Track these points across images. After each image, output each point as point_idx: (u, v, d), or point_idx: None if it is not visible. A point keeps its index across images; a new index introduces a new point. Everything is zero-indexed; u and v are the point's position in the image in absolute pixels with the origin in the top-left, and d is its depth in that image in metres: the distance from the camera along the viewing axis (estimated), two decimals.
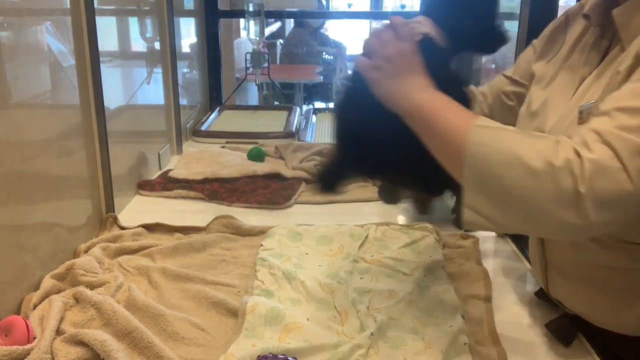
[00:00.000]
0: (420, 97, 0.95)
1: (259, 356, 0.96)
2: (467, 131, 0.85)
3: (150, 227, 1.52)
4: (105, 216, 1.52)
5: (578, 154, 0.77)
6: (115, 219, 1.53)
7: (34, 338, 1.02)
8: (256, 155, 2.09)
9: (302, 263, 1.31)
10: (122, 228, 1.51)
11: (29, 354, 0.98)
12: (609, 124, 0.79)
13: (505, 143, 0.82)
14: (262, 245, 1.40)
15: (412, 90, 0.97)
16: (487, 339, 1.06)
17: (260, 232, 1.49)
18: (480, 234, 1.48)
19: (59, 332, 1.04)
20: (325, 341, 1.01)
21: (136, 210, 1.64)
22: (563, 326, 1.06)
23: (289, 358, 0.95)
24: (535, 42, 1.26)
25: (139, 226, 1.50)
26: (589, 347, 1.04)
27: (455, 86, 1.01)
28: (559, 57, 1.13)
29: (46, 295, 1.15)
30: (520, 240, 1.46)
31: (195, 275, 1.27)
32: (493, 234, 1.52)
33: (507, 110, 1.29)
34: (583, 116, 0.92)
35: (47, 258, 1.22)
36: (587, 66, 1.03)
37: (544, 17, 1.36)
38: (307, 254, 1.37)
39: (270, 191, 1.79)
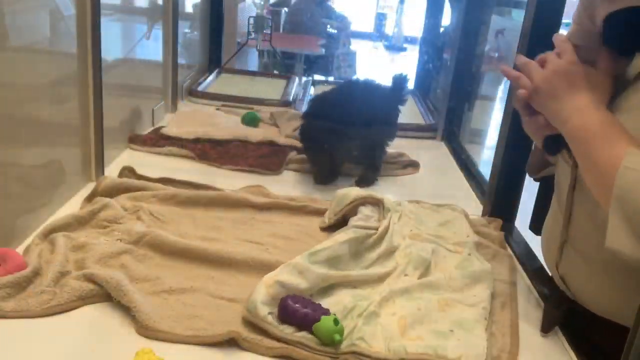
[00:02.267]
0: (576, 122, 0.93)
1: (287, 296, 1.01)
2: (616, 170, 0.84)
3: (166, 182, 1.54)
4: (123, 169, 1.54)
5: None
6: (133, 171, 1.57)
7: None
8: (250, 120, 2.10)
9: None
10: (140, 177, 1.55)
11: (32, 281, 1.02)
12: None
13: None
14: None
15: (569, 112, 0.94)
16: (505, 324, 1.08)
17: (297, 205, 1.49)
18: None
19: (65, 273, 1.07)
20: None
21: (125, 163, 1.64)
22: (551, 312, 1.08)
23: (318, 305, 1.00)
24: None
25: (158, 179, 1.54)
26: (563, 340, 1.06)
27: None
28: None
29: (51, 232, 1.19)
30: (505, 229, 1.48)
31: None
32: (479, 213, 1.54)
33: None
34: None
35: (31, 202, 1.23)
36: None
37: (551, 6, 1.34)
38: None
39: (261, 155, 1.80)
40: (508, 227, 1.49)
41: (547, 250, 1.14)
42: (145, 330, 0.95)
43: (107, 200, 1.33)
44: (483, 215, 1.55)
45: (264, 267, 1.14)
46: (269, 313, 0.98)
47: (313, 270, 1.09)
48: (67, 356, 0.90)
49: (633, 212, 0.83)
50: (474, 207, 1.61)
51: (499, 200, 1.52)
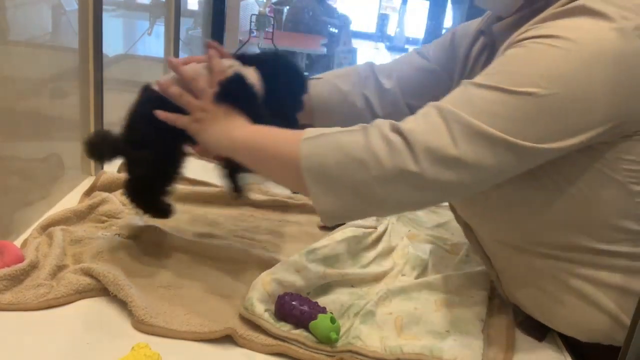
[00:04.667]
0: (242, 133, 1.01)
1: (284, 293, 1.01)
2: (297, 148, 0.91)
3: None
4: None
5: (395, 132, 0.87)
6: None
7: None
8: None
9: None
10: None
11: (29, 274, 1.02)
12: (447, 102, 0.89)
13: (331, 146, 0.90)
14: None
15: (233, 129, 1.01)
16: (502, 326, 1.08)
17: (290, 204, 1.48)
18: None
19: (62, 267, 1.07)
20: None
21: None
22: (534, 323, 1.08)
23: (315, 303, 1.00)
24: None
25: None
26: (559, 342, 1.06)
27: (279, 118, 1.05)
28: (460, 74, 1.17)
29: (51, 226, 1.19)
30: None
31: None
32: None
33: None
34: None
35: (31, 194, 1.23)
36: None
37: None
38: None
39: None
40: None
41: (496, 284, 1.14)
42: (142, 325, 0.95)
43: (105, 194, 1.33)
44: None
45: (261, 265, 1.15)
46: (266, 310, 0.99)
47: (310, 268, 1.09)
48: (64, 350, 0.90)
49: (321, 173, 0.90)
50: None
51: None
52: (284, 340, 0.96)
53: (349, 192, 0.89)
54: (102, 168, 1.52)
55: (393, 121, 0.89)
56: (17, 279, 1.00)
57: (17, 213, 1.18)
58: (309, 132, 0.93)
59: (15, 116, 1.15)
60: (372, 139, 0.87)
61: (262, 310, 0.98)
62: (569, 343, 1.05)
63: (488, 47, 1.09)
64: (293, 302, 0.99)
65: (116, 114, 1.68)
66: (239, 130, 1.01)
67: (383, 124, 0.89)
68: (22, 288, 1.00)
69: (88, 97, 1.45)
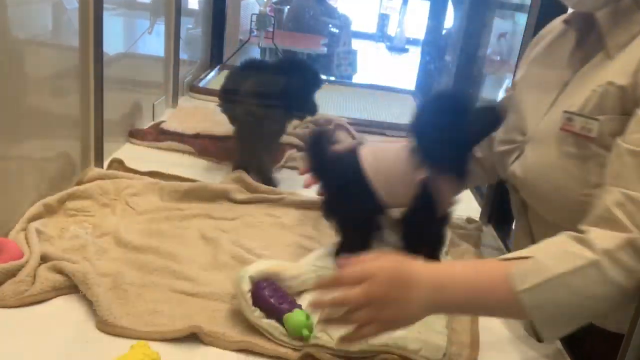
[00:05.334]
0: (449, 292, 0.86)
1: (265, 281, 1.02)
2: (516, 297, 0.83)
3: (154, 176, 1.54)
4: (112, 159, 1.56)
5: (628, 248, 0.81)
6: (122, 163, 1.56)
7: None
8: None
9: None
10: (129, 170, 1.54)
11: (18, 271, 1.02)
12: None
13: (562, 293, 0.83)
14: None
15: (427, 300, 0.85)
16: (466, 320, 1.08)
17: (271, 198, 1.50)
18: None
19: (44, 258, 1.07)
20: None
21: (125, 157, 1.63)
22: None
23: (293, 299, 1.01)
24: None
25: (146, 172, 1.53)
26: (558, 342, 1.06)
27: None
28: (534, 59, 1.16)
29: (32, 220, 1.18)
30: (503, 231, 1.49)
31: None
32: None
33: None
34: (572, 122, 0.96)
35: (30, 191, 1.23)
36: (568, 69, 1.04)
37: (554, 9, 1.35)
38: None
39: None
40: (506, 229, 1.49)
41: None
42: (105, 326, 0.94)
43: (75, 189, 1.33)
44: (481, 217, 1.55)
45: (227, 264, 1.16)
46: (249, 291, 0.99)
47: (309, 277, 1.10)
48: (63, 348, 0.90)
49: (556, 319, 0.84)
50: (474, 209, 1.61)
51: (498, 203, 1.52)
52: (252, 332, 0.96)
53: (583, 321, 0.86)
54: (102, 166, 1.52)
55: (614, 238, 0.83)
56: (8, 274, 1.00)
57: (17, 212, 1.18)
58: (523, 279, 0.84)
59: (16, 114, 1.15)
60: (610, 272, 0.81)
61: (247, 289, 0.99)
62: (568, 344, 1.05)
63: (576, 35, 1.07)
64: (271, 291, 1.00)
65: (117, 113, 1.69)
66: (435, 298, 0.85)
67: (608, 247, 0.82)
68: (8, 284, 0.99)
69: (88, 95, 1.45)
